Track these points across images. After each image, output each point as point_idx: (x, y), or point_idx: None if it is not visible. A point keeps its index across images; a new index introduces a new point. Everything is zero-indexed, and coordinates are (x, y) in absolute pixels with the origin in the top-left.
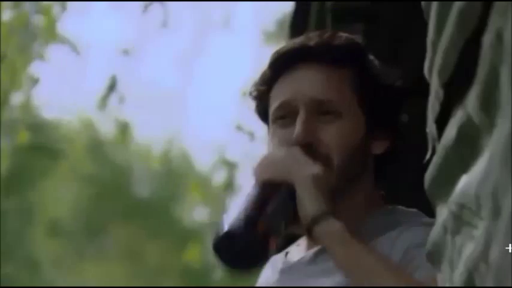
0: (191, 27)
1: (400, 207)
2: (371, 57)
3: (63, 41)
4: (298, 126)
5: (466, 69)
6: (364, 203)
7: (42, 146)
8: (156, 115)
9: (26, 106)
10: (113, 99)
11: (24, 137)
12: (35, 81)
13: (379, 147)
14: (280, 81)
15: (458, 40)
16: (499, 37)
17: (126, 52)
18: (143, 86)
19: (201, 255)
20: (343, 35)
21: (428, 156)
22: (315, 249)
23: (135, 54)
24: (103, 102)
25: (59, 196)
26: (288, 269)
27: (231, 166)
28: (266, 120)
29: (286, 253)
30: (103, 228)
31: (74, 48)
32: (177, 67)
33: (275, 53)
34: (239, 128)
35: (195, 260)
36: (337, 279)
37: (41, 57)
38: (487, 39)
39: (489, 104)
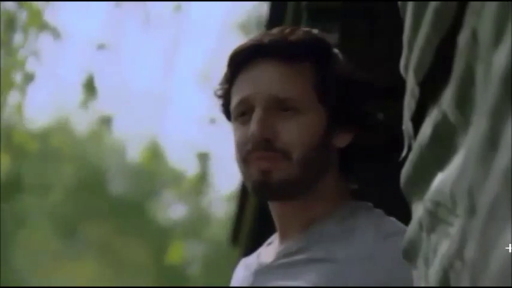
0: (171, 26)
1: (365, 204)
2: (335, 51)
3: (47, 28)
4: (253, 124)
5: (442, 68)
6: (329, 198)
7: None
8: (134, 113)
9: (19, 107)
10: (92, 97)
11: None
12: (30, 78)
13: (342, 141)
14: (239, 79)
15: (433, 39)
16: (474, 36)
17: (102, 47)
18: (119, 83)
19: (179, 252)
20: (303, 30)
21: (404, 154)
22: (287, 249)
23: (113, 50)
24: (84, 103)
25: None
26: (263, 270)
27: (203, 157)
28: (230, 118)
29: (259, 254)
30: (80, 226)
31: (57, 35)
32: (155, 65)
33: (233, 50)
34: (212, 120)
35: (173, 257)
36: (309, 279)
37: (33, 52)
38: (463, 38)
39: (464, 103)
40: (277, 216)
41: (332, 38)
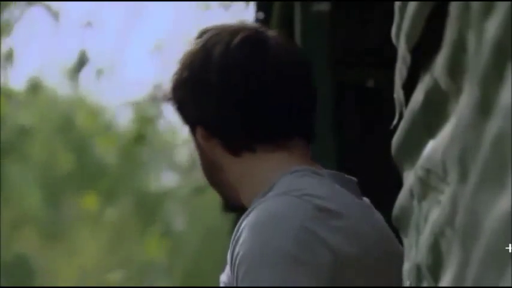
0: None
1: (303, 170)
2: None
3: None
4: None
5: (434, 35)
6: (252, 183)
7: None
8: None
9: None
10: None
11: None
12: (10, 54)
13: (199, 136)
14: None
15: (425, 6)
16: (466, 3)
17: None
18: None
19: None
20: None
21: (395, 121)
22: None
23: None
24: (74, 74)
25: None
26: None
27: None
28: None
29: None
30: (67, 196)
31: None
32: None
33: None
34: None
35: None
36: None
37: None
38: (455, 5)
39: (456, 70)
40: None
41: (324, 5)
